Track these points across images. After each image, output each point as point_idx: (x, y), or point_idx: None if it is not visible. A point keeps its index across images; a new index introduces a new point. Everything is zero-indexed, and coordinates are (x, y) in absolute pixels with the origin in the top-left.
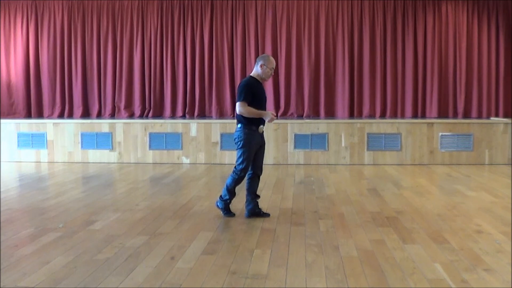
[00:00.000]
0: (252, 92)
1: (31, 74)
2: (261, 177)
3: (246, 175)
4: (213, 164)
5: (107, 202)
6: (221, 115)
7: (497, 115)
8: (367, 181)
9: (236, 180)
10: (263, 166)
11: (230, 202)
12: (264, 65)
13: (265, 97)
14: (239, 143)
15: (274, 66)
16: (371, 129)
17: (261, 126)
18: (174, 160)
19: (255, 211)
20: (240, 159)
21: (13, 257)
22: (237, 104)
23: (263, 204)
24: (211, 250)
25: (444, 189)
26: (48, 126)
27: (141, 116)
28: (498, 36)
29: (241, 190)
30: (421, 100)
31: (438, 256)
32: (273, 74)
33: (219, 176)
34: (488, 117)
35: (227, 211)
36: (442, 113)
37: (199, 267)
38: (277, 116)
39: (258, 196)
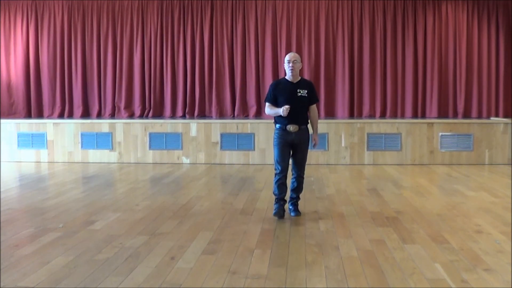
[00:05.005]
0: (273, 93)
1: (31, 74)
2: (266, 176)
3: (292, 174)
4: (213, 164)
5: (107, 202)
6: (221, 115)
7: (497, 115)
8: (367, 181)
9: (274, 181)
10: (302, 167)
11: (276, 201)
12: (284, 63)
13: (289, 95)
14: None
15: (289, 58)
16: (371, 129)
17: (290, 125)
18: (174, 160)
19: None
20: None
21: (13, 257)
22: None
23: (263, 204)
24: (211, 250)
25: (444, 189)
26: (48, 126)
27: (141, 116)
28: (498, 36)
29: (241, 190)
30: (421, 100)
31: (438, 256)
32: (292, 67)
33: (219, 176)
34: (488, 117)
35: (275, 209)
36: (442, 113)
37: (199, 267)
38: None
39: (285, 201)
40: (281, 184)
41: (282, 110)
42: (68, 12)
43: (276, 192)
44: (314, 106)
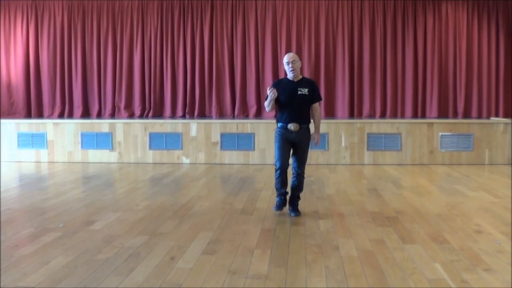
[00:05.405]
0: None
1: (31, 74)
2: (266, 176)
3: (292, 173)
4: (213, 164)
5: (107, 202)
6: (221, 115)
7: (497, 115)
8: (367, 181)
9: (275, 176)
10: (303, 165)
11: (277, 194)
12: (283, 65)
13: (289, 94)
14: None
15: (287, 59)
16: (371, 129)
17: (291, 124)
18: (174, 160)
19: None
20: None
21: (13, 257)
22: None
23: (263, 204)
24: (211, 250)
25: (444, 189)
26: (48, 126)
27: (141, 116)
28: (498, 36)
29: (241, 190)
30: (421, 100)
31: (438, 256)
32: (292, 68)
33: (219, 176)
34: (488, 117)
35: (276, 202)
36: (442, 113)
37: (199, 267)
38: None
39: (287, 193)
40: (281, 180)
41: (269, 90)
42: (68, 12)
43: (278, 187)
44: (316, 105)
